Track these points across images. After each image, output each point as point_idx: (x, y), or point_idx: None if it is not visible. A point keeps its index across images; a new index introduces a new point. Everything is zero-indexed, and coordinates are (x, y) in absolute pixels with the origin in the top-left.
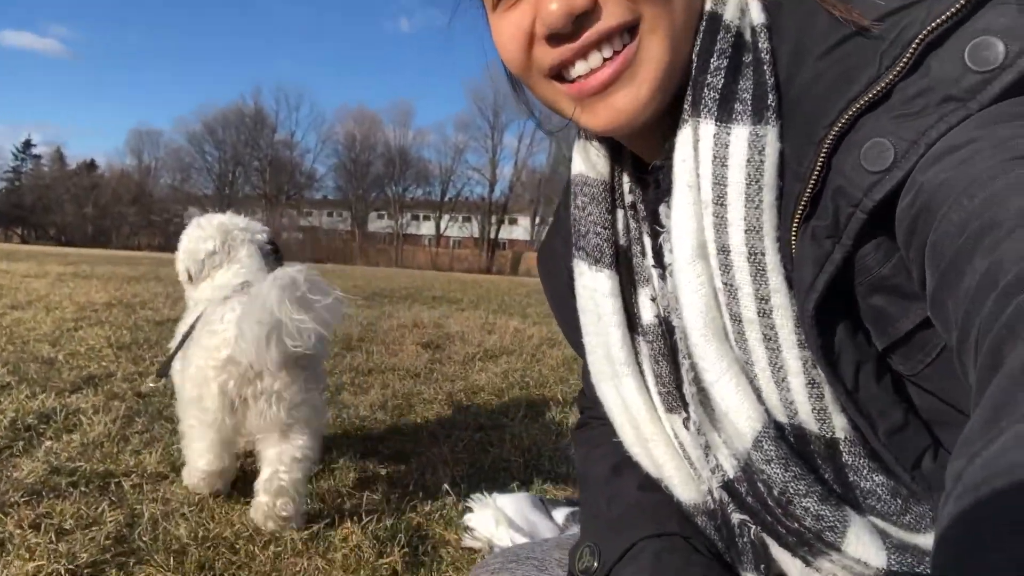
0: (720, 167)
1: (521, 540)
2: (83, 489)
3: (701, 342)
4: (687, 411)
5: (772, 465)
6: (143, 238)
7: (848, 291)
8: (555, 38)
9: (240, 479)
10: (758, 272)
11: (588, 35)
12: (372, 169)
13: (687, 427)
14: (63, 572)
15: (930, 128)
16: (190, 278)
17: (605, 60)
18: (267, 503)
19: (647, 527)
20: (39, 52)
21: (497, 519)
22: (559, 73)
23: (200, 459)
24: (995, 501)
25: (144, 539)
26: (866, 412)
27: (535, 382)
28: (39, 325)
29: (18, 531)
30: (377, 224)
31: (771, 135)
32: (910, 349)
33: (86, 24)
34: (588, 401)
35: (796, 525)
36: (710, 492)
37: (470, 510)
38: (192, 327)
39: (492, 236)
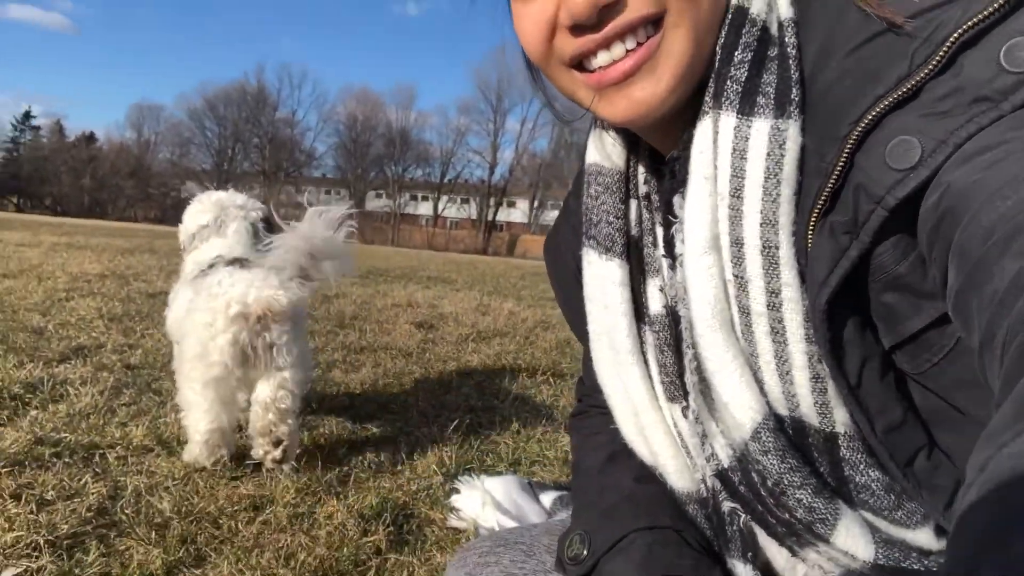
0: (739, 159)
1: (507, 522)
2: (67, 460)
3: (707, 332)
4: (687, 400)
5: (769, 456)
6: (140, 211)
7: (860, 287)
8: (578, 28)
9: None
10: (771, 265)
11: (612, 26)
12: (372, 149)
13: (686, 416)
14: (42, 543)
15: (960, 128)
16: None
17: (628, 51)
18: (265, 424)
19: (639, 519)
20: (44, 25)
21: (484, 500)
22: (580, 62)
23: (202, 420)
24: (1020, 491)
25: (126, 512)
26: (866, 408)
27: (527, 365)
28: (30, 294)
29: None
30: (375, 203)
31: (793, 129)
32: (917, 348)
33: None
34: (587, 389)
35: (787, 516)
36: (703, 481)
37: (457, 491)
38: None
39: (490, 218)
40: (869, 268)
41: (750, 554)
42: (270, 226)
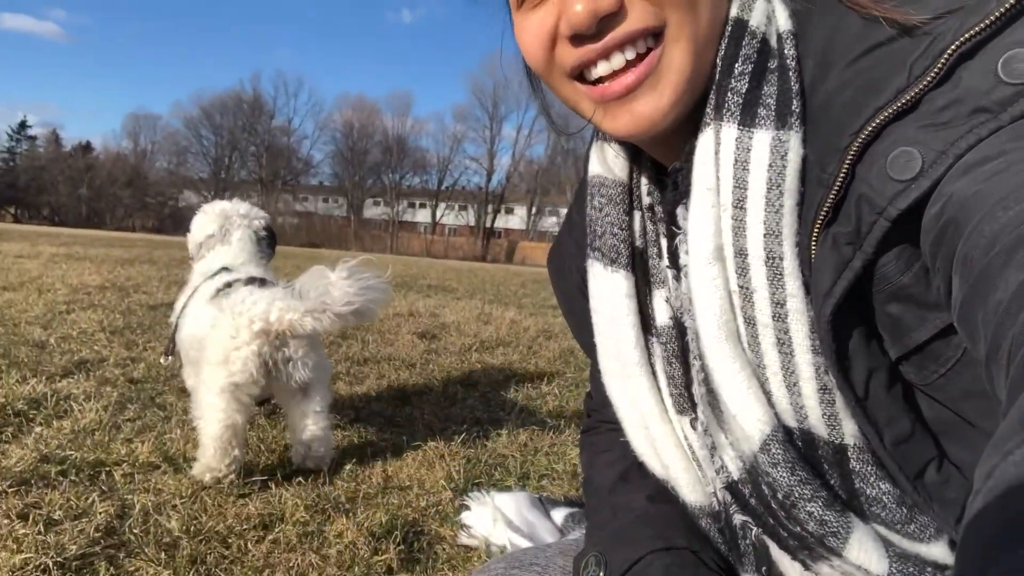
0: (741, 171)
1: (519, 540)
2: (73, 478)
3: (713, 344)
4: (696, 412)
5: (778, 468)
6: (137, 220)
7: (865, 298)
8: (578, 38)
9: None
10: (775, 276)
11: (611, 36)
12: (369, 157)
13: (695, 427)
14: (51, 565)
15: (959, 139)
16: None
17: (628, 62)
18: (303, 448)
19: (655, 540)
20: (37, 35)
21: (494, 517)
22: (581, 73)
23: (215, 422)
24: None
25: (135, 531)
26: (874, 420)
27: (532, 375)
28: (31, 307)
29: (6, 521)
30: (373, 211)
31: (794, 140)
32: (924, 359)
33: (85, 7)
34: (596, 404)
35: (798, 529)
36: (715, 494)
37: (467, 507)
38: (185, 304)
39: (488, 225)
40: (873, 279)
41: (764, 568)
42: (271, 233)
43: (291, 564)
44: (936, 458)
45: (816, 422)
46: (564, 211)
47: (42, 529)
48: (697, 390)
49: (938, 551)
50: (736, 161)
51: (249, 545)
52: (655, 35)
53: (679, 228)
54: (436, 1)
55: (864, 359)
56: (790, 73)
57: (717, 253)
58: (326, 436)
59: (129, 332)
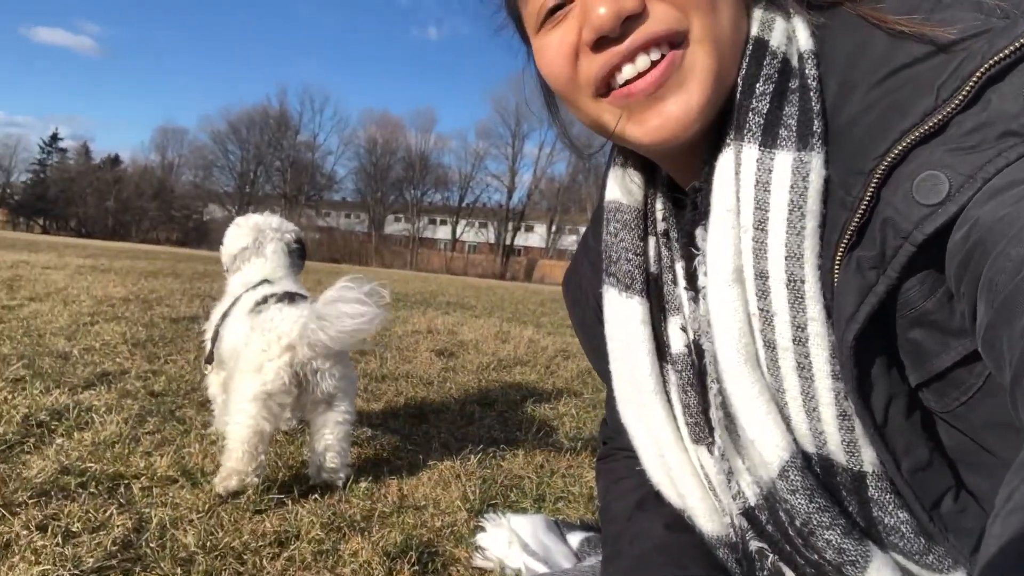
0: (762, 192)
1: (534, 564)
2: (92, 491)
3: (732, 367)
4: (712, 437)
5: (797, 496)
6: (162, 232)
7: (887, 323)
8: (601, 43)
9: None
10: (796, 299)
11: (635, 37)
12: (392, 173)
13: (711, 452)
14: None
15: (988, 163)
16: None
17: (653, 63)
18: (318, 459)
19: (673, 570)
20: (71, 48)
21: (510, 540)
22: (607, 85)
23: (244, 427)
24: None
25: (151, 545)
26: (892, 447)
27: (549, 395)
28: (56, 318)
29: (25, 533)
30: (394, 227)
31: (816, 162)
32: (946, 386)
33: (119, 22)
34: (611, 431)
35: (816, 557)
36: (732, 523)
37: (482, 529)
38: (226, 312)
39: (508, 242)
40: (896, 304)
41: None
42: (302, 246)
43: None
44: (953, 488)
45: (835, 448)
46: (584, 229)
47: (60, 541)
48: (714, 414)
49: None
50: (757, 182)
51: (264, 562)
52: (678, 41)
53: (697, 249)
54: (462, 19)
55: (884, 385)
56: (811, 93)
57: (737, 275)
58: (341, 448)
59: (151, 345)
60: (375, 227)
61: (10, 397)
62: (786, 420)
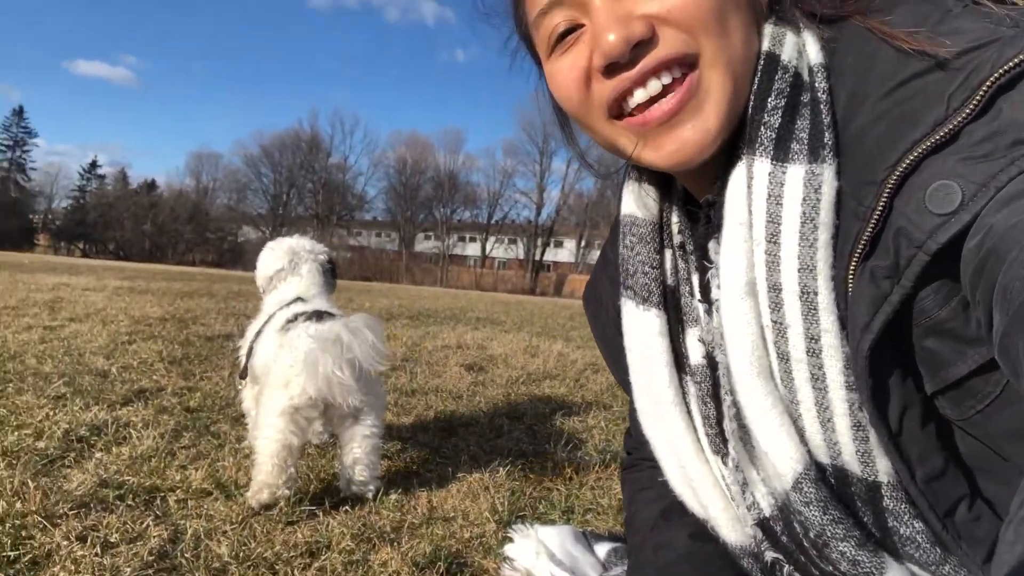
0: (775, 205)
1: (561, 574)
2: (129, 503)
3: (746, 379)
4: (727, 447)
5: (811, 508)
6: (198, 254)
7: (901, 333)
8: (612, 69)
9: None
10: (809, 311)
11: (645, 62)
12: (421, 192)
13: (726, 463)
14: None
15: (1000, 172)
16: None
17: (664, 87)
18: (348, 472)
19: None
20: (110, 80)
21: (538, 551)
22: (620, 108)
23: (272, 440)
24: None
25: (186, 556)
26: (907, 456)
27: (578, 408)
28: (95, 338)
29: (65, 543)
30: (424, 244)
31: (828, 174)
32: (962, 395)
33: (155, 54)
34: (635, 442)
35: (831, 568)
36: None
37: (510, 540)
38: (260, 329)
39: (537, 258)
40: (911, 313)
41: None
42: (334, 266)
43: None
44: (967, 496)
45: (849, 459)
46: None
47: (99, 551)
48: (728, 425)
49: None
50: (769, 196)
51: (295, 572)
52: (689, 63)
53: (710, 262)
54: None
55: (899, 395)
56: (822, 106)
57: (750, 288)
58: (370, 461)
59: (187, 362)
60: (405, 245)
61: (52, 413)
62: (800, 431)
